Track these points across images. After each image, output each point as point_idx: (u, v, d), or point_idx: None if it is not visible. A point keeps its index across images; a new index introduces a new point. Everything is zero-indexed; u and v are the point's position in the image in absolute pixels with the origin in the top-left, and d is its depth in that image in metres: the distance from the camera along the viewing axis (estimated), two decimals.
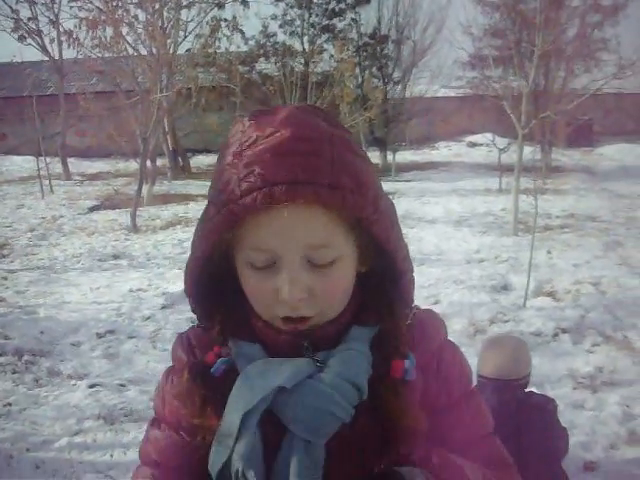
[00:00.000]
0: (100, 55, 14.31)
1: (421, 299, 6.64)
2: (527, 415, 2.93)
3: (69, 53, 20.72)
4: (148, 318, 6.50)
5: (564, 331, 5.85)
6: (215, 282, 1.10)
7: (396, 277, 1.10)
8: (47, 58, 21.26)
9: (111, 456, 4.07)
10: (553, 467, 3.03)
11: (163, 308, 6.64)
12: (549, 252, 8.77)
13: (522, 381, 3.10)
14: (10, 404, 4.76)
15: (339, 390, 1.00)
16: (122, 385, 5.00)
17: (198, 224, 1.05)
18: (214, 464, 1.01)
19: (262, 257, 0.99)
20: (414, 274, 1.13)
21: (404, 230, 1.10)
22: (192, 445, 1.09)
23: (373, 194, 1.00)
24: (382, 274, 1.10)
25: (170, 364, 1.21)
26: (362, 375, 1.02)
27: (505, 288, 7.21)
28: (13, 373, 5.31)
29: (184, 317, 6.10)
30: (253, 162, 0.95)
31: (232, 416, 1.00)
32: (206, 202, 1.04)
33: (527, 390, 3.14)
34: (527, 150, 11.53)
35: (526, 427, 2.88)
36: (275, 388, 0.99)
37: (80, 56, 16.28)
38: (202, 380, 1.07)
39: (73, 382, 5.13)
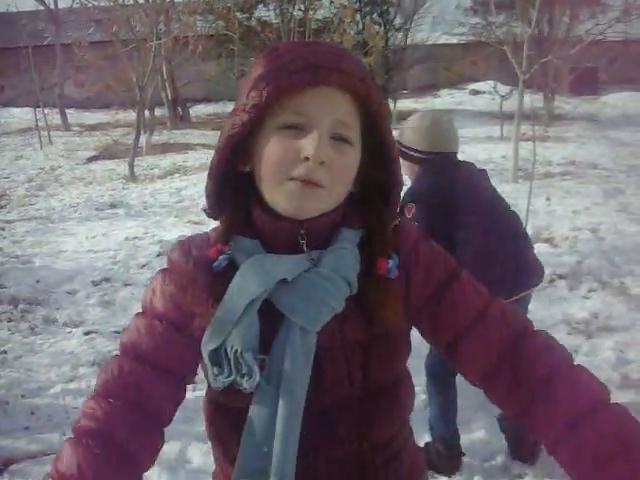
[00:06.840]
0: (96, 3, 14.12)
1: None
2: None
3: (65, 2, 20.54)
4: (144, 266, 6.49)
5: (560, 277, 5.82)
6: (229, 183, 1.19)
7: (389, 189, 1.23)
8: (43, 7, 20.96)
9: None
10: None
11: (159, 256, 6.61)
12: (548, 199, 8.72)
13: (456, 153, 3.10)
14: (6, 352, 4.77)
15: (334, 283, 1.12)
16: (117, 332, 4.99)
17: (231, 112, 1.15)
18: (208, 344, 1.11)
19: (298, 119, 1.09)
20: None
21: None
22: (174, 335, 1.19)
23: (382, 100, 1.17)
24: (373, 188, 1.23)
25: None
26: (352, 271, 1.15)
27: None
28: (9, 321, 5.33)
29: None
30: (299, 53, 1.10)
31: (233, 303, 1.10)
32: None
33: None
34: (529, 98, 11.37)
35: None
36: (278, 280, 1.10)
37: (76, 5, 16.06)
38: (205, 271, 1.16)
39: (68, 330, 5.15)
